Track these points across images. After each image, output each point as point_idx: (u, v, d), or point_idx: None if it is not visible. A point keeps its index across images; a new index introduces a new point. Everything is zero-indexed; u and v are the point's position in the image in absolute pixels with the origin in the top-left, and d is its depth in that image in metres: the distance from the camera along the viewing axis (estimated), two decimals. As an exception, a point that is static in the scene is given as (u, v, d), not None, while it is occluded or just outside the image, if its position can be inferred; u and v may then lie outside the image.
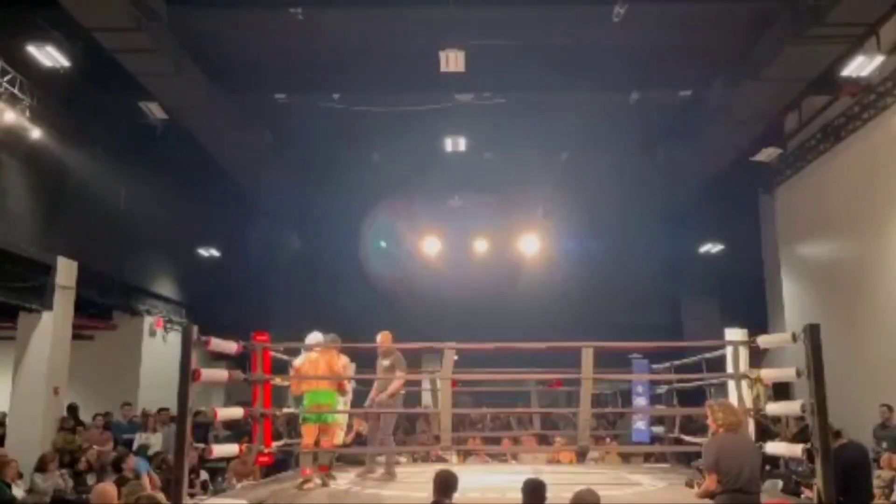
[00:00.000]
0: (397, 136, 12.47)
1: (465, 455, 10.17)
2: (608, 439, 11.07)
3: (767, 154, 12.73)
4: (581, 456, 10.07)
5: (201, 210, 15.06)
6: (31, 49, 9.12)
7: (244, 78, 10.92)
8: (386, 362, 7.49)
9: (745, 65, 10.05)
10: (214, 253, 16.06)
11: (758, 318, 13.55)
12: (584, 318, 13.98)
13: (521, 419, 11.91)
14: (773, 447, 6.44)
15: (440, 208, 14.96)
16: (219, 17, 9.54)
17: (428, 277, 14.69)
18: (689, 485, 6.69)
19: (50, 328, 10.62)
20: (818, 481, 5.25)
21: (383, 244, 15.29)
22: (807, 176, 12.82)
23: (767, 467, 7.99)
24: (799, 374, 5.69)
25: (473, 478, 7.38)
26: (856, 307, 11.15)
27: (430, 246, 14.38)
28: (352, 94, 11.15)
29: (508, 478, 7.48)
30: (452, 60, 9.32)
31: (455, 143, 12.67)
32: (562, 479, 6.62)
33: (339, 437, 7.60)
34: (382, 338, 7.57)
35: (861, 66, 9.62)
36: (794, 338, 5.71)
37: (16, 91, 9.26)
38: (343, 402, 7.32)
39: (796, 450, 5.83)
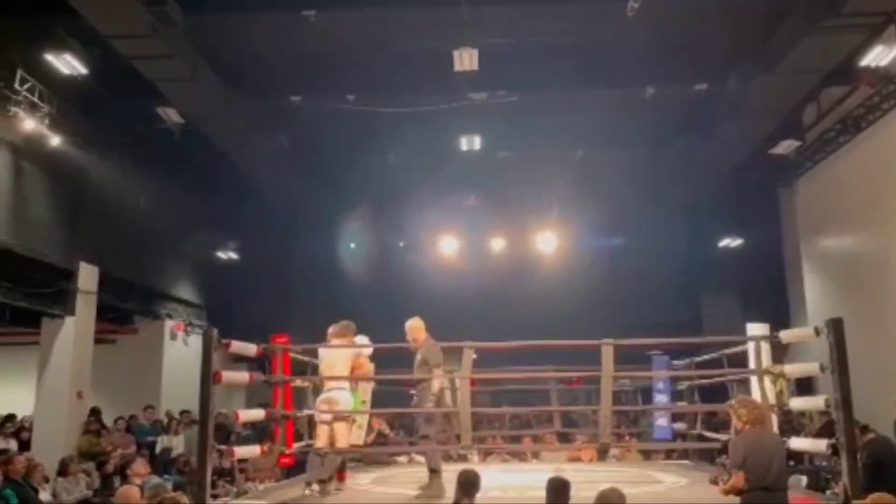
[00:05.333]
0: (412, 136, 12.48)
1: (485, 454, 10.17)
2: (629, 437, 11.02)
3: (786, 147, 12.59)
4: (602, 454, 10.04)
5: (219, 213, 15.16)
6: (50, 57, 9.22)
7: (259, 81, 10.98)
8: (418, 356, 6.81)
9: (761, 57, 9.95)
10: (233, 256, 16.16)
11: (779, 313, 13.42)
12: (603, 315, 13.91)
13: (541, 418, 11.88)
14: (798, 443, 6.39)
15: (456, 208, 14.95)
16: (233, 21, 9.60)
17: (445, 277, 14.68)
18: (714, 482, 6.65)
19: (73, 333, 10.74)
20: (844, 477, 5.21)
21: (402, 248, 15.31)
22: (826, 168, 12.68)
23: (791, 463, 7.91)
24: (822, 368, 5.64)
25: (494, 477, 7.37)
26: (879, 300, 11.00)
27: (447, 245, 14.39)
28: (366, 96, 11.17)
29: (529, 477, 7.48)
30: (466, 59, 9.31)
31: (470, 143, 12.67)
32: (584, 478, 6.60)
33: (353, 437, 6.98)
34: (409, 328, 6.84)
35: (880, 55, 9.48)
36: (817, 332, 5.66)
37: (35, 99, 9.37)
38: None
39: (821, 445, 5.78)
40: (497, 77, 10.38)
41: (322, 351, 7.02)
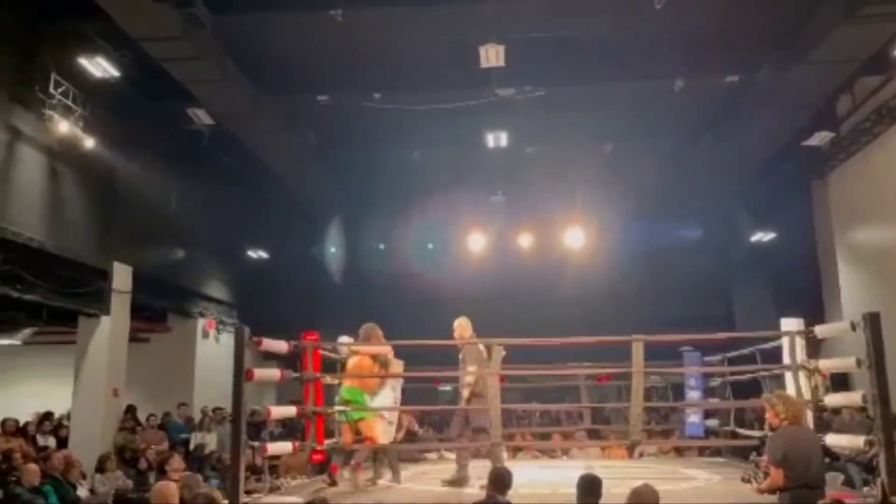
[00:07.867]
0: (439, 133, 12.46)
1: (515, 451, 10.15)
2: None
3: (819, 138, 12.36)
4: (631, 450, 9.96)
5: (249, 212, 15.32)
6: (82, 61, 9.39)
7: (287, 81, 11.06)
8: (460, 356, 7.12)
9: (793, 47, 9.76)
10: (263, 254, 16.33)
11: (813, 307, 13.16)
12: (633, 311, 13.79)
13: (571, 414, 11.82)
14: (834, 439, 6.28)
15: (483, 204, 14.93)
16: (260, 21, 9.67)
17: (472, 274, 14.67)
18: (746, 480, 6.56)
19: (108, 332, 10.93)
20: (882, 474, 5.10)
21: (430, 245, 15.35)
22: (861, 160, 12.41)
23: (827, 460, 7.78)
24: (859, 363, 5.54)
25: (525, 474, 7.35)
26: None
27: (474, 242, 14.36)
28: (393, 93, 11.18)
29: (560, 473, 7.45)
30: (492, 55, 9.28)
31: (497, 139, 12.62)
32: (616, 474, 6.56)
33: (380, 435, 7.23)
34: (456, 326, 7.19)
35: (917, 44, 9.28)
36: (854, 327, 5.56)
37: (69, 102, 9.54)
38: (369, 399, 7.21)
39: (858, 442, 5.67)
40: (524, 72, 10.30)
41: (387, 349, 7.22)
